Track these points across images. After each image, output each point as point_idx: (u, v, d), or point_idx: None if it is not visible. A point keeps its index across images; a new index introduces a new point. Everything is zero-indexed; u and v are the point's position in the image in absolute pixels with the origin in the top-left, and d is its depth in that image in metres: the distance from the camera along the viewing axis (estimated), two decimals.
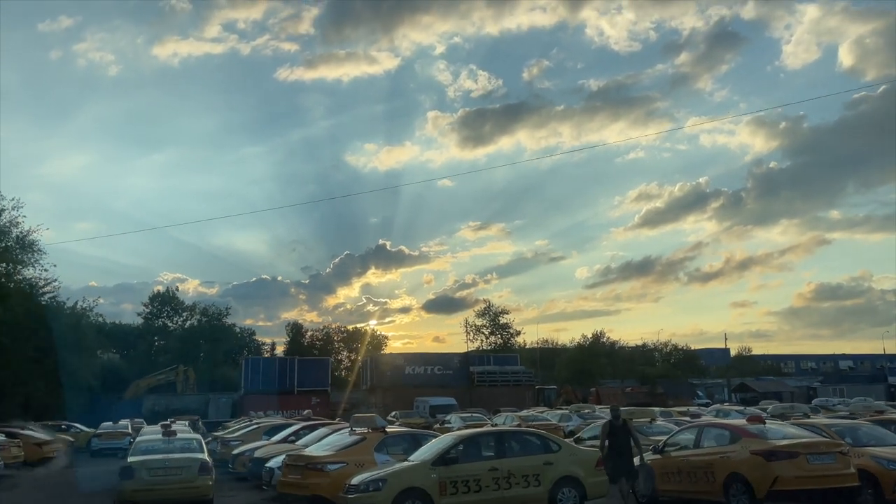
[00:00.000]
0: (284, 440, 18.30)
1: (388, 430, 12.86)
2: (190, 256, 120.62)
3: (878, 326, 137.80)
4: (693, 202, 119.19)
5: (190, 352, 73.81)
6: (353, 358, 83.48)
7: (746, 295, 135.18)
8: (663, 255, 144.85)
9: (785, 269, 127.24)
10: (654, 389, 54.18)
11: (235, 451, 18.77)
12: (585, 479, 10.91)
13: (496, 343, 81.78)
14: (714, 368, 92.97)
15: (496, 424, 30.27)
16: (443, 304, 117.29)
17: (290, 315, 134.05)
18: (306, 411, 31.50)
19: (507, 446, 11.10)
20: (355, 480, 10.38)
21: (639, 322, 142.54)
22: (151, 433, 14.79)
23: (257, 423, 23.14)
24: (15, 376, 37.81)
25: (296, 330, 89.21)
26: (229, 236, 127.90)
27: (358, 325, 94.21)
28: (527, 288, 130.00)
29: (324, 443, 13.60)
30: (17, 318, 36.39)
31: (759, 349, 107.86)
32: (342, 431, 13.62)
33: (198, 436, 13.66)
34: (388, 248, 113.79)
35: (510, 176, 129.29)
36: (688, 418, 18.44)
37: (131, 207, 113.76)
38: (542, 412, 31.95)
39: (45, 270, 40.92)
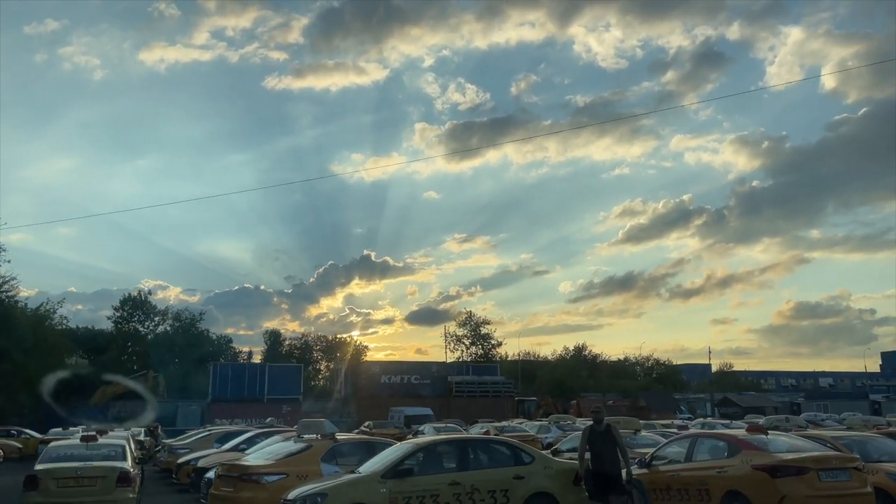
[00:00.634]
0: (235, 448, 16.62)
1: (338, 437, 11.27)
2: (172, 263, 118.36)
3: (856, 345, 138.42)
4: (676, 219, 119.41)
5: (162, 358, 71.59)
6: (332, 368, 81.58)
7: (727, 312, 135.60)
8: (646, 271, 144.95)
9: (765, 287, 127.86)
10: (636, 403, 52.85)
11: (180, 461, 17.06)
12: (561, 496, 9.40)
13: (476, 354, 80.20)
14: (695, 384, 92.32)
15: None
16: (426, 316, 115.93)
17: (272, 324, 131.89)
18: (269, 419, 29.67)
19: (472, 457, 9.56)
20: (291, 495, 8.80)
21: (621, 337, 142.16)
22: (70, 437, 13.05)
23: (208, 430, 21.38)
24: None
25: (274, 338, 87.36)
26: (213, 244, 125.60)
27: (338, 335, 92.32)
28: (511, 301, 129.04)
29: (266, 451, 11.98)
30: None
31: (739, 366, 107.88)
32: (292, 438, 12.00)
33: (122, 441, 11.96)
34: (372, 258, 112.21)
35: (496, 189, 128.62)
36: (675, 430, 17.02)
37: (113, 213, 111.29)
38: (520, 423, 30.47)
39: None
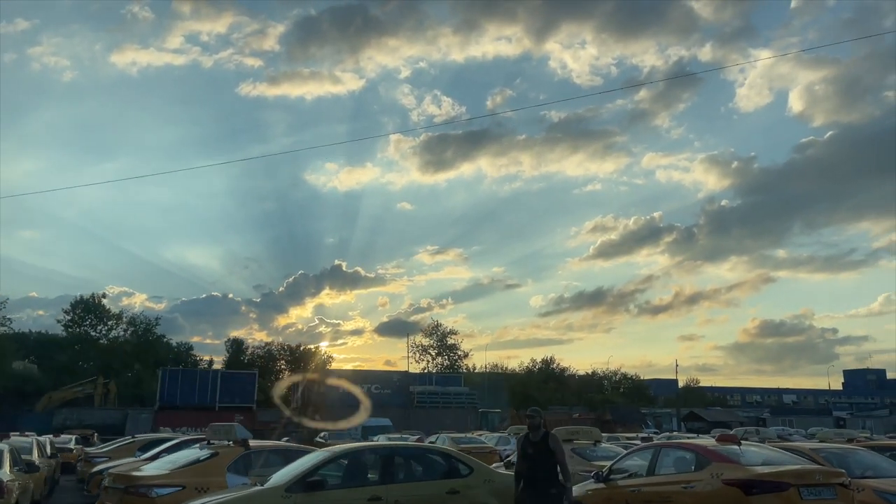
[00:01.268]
0: (156, 457, 14.90)
1: (251, 443, 9.73)
2: (138, 269, 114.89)
3: (818, 364, 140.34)
4: (647, 236, 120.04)
5: (115, 364, 68.67)
6: (290, 377, 79.32)
7: (694, 329, 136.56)
8: (616, 287, 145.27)
9: (732, 305, 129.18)
10: (602, 416, 51.80)
11: (94, 470, 15.29)
12: None
13: (443, 365, 78.66)
14: (662, 399, 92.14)
15: None
16: (396, 328, 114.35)
17: (239, 334, 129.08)
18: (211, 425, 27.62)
19: (399, 468, 8.10)
20: None
21: (590, 352, 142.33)
22: None
23: (132, 438, 19.55)
24: None
25: (236, 346, 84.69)
26: (181, 251, 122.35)
27: (306, 346, 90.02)
28: (482, 314, 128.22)
29: (168, 459, 10.38)
30: None
31: (706, 382, 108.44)
32: (201, 445, 10.41)
33: (3, 446, 10.28)
34: (343, 269, 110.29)
35: (470, 202, 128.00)
36: (638, 443, 15.77)
37: (80, 217, 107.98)
38: (479, 435, 29.04)
39: None
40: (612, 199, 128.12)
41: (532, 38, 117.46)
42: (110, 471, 10.00)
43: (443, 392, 50.79)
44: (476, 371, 79.87)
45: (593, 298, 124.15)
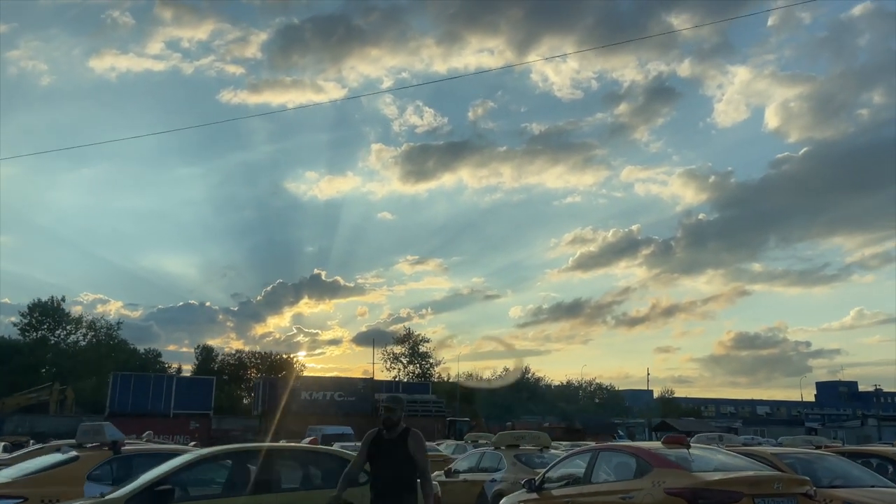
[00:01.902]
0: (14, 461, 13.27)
1: (124, 447, 8.27)
2: (114, 276, 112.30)
3: (791, 376, 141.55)
4: (625, 248, 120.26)
5: (75, 370, 66.24)
6: (252, 384, 77.47)
7: (671, 341, 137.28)
8: (593, 298, 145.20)
9: (707, 318, 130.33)
10: (571, 425, 50.59)
11: None
12: None
13: (414, 373, 77.09)
14: (637, 409, 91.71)
15: None
16: (376, 338, 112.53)
17: (216, 342, 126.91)
18: (147, 433, 25.93)
19: (275, 475, 6.70)
20: None
21: (567, 362, 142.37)
22: None
23: (39, 445, 17.88)
24: None
25: (206, 354, 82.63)
26: (157, 258, 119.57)
27: (278, 353, 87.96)
28: (461, 324, 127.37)
29: (20, 466, 8.88)
30: None
31: (681, 393, 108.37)
32: (63, 449, 8.92)
33: None
34: (322, 277, 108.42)
35: (450, 212, 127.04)
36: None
37: (55, 223, 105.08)
38: (438, 444, 27.61)
39: None
40: (591, 211, 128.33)
41: (514, 51, 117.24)
42: None
43: (409, 400, 49.20)
44: (449, 381, 78.51)
45: (571, 310, 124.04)
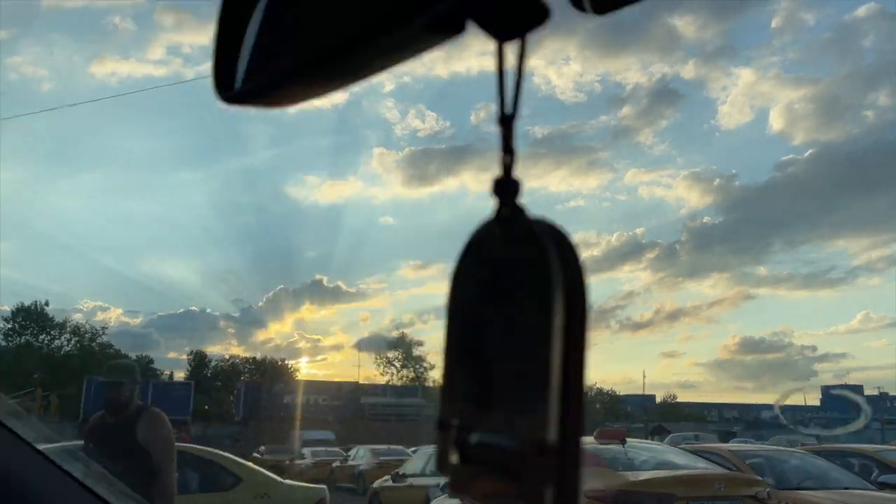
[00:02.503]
0: None
1: None
2: (114, 283, 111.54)
3: (798, 380, 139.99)
4: (629, 252, 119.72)
5: (59, 375, 65.24)
6: (234, 389, 76.75)
7: (675, 345, 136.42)
8: (597, 303, 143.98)
9: (712, 322, 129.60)
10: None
11: None
12: None
13: (408, 377, 75.91)
14: (638, 414, 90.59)
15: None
16: (378, 343, 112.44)
17: (217, 349, 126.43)
18: None
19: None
20: None
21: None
22: None
23: None
24: None
25: (199, 359, 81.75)
26: (157, 264, 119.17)
27: (268, 358, 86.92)
28: None
29: None
30: None
31: (687, 398, 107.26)
32: None
33: None
34: (324, 283, 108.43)
35: (453, 216, 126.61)
36: None
37: (54, 228, 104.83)
38: (412, 450, 26.39)
39: None
40: (595, 214, 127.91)
41: (516, 54, 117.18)
42: None
43: (397, 404, 48.03)
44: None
45: None
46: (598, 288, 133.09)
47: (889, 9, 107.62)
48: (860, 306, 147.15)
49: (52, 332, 69.97)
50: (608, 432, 6.46)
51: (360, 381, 57.81)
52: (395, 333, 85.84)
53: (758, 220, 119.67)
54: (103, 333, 71.98)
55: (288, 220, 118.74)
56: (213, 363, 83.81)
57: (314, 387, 47.91)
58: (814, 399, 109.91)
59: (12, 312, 68.19)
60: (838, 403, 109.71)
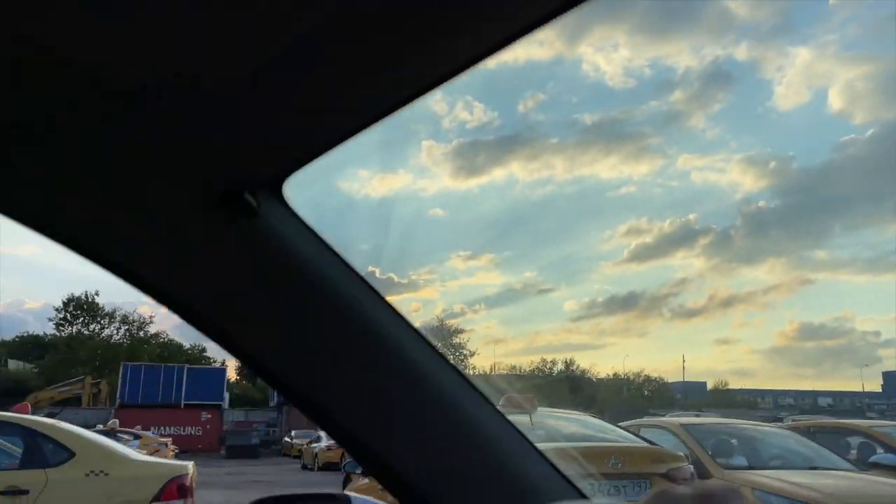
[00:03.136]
0: None
1: None
2: None
3: (860, 367, 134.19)
4: (682, 238, 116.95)
5: (110, 363, 67.19)
6: None
7: (730, 332, 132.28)
8: (649, 290, 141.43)
9: (769, 308, 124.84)
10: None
11: None
12: None
13: None
14: (687, 402, 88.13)
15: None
16: (430, 334, 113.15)
17: None
18: (111, 421, 24.83)
19: None
20: None
21: (622, 357, 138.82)
22: None
23: None
24: None
25: None
26: None
27: None
28: (515, 319, 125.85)
29: None
30: None
31: (742, 385, 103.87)
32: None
33: None
34: (377, 275, 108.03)
35: (502, 206, 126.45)
36: None
37: None
38: None
39: None
40: (646, 201, 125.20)
41: (564, 42, 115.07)
42: None
43: None
44: (491, 373, 76.66)
45: (626, 302, 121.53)
46: (650, 275, 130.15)
47: None
48: None
49: (101, 321, 71.82)
50: (515, 399, 5.49)
51: None
52: (455, 325, 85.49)
53: (816, 203, 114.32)
54: (150, 322, 73.41)
55: (341, 213, 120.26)
56: None
57: None
58: (875, 385, 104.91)
59: (63, 303, 70.21)
60: None
